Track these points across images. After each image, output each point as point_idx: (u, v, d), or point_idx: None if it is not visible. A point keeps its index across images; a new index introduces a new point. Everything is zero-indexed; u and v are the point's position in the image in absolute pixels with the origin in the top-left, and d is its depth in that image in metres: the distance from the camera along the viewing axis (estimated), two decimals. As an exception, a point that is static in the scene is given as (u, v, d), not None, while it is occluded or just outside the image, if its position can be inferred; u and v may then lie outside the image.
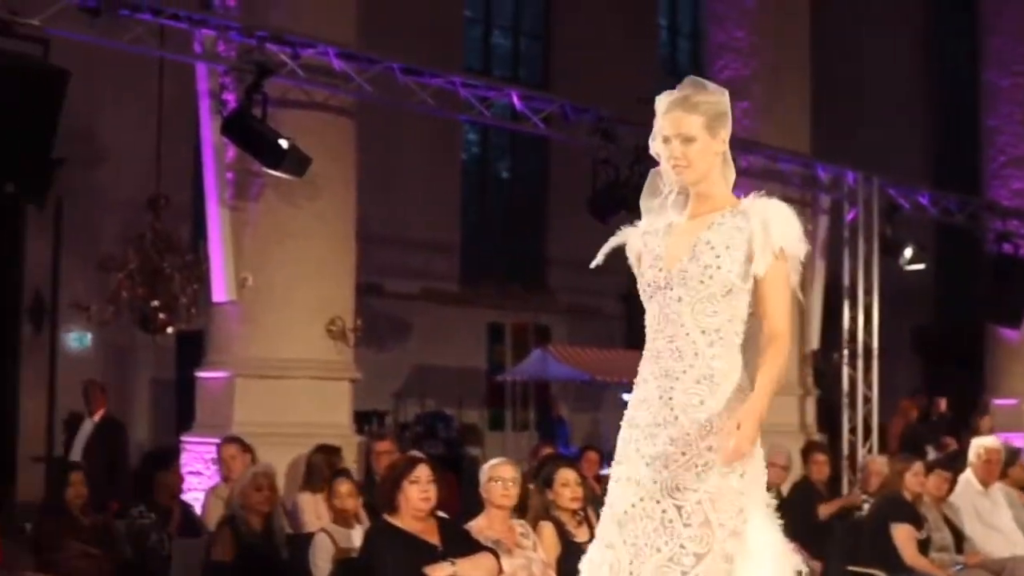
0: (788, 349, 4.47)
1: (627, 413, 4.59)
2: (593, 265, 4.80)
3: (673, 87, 4.54)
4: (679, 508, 4.35)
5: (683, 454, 4.38)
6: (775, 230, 4.44)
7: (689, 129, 4.46)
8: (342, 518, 8.35)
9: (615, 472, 4.56)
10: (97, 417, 12.86)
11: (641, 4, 23.32)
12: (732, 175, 4.62)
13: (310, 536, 8.61)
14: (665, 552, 4.35)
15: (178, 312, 14.06)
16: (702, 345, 4.43)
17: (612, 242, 4.77)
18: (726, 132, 4.53)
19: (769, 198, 4.54)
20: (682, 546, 4.34)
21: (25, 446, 16.63)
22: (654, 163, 4.64)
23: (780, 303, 4.48)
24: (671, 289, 4.48)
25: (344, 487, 8.50)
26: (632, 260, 4.72)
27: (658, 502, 4.38)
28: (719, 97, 4.53)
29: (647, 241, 4.63)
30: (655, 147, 4.57)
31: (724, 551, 4.35)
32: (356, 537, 8.20)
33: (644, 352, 4.56)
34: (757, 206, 4.50)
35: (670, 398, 4.44)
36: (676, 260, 4.49)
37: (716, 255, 4.44)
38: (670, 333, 4.47)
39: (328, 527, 8.29)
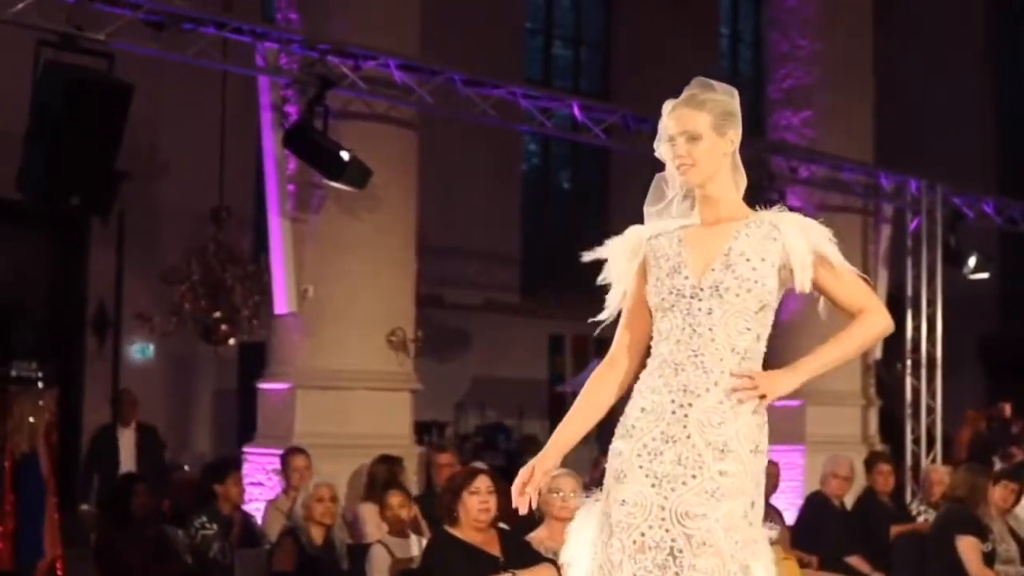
0: (880, 323, 4.44)
1: (623, 423, 4.28)
2: (588, 258, 4.67)
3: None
4: (689, 537, 4.10)
5: (693, 477, 4.13)
6: (814, 238, 4.37)
7: (695, 127, 4.31)
8: (397, 529, 8.39)
9: (617, 491, 4.23)
10: (134, 425, 13.05)
11: (702, 13, 23.24)
12: (743, 181, 4.42)
13: (370, 547, 8.64)
14: None
15: (240, 324, 14.14)
16: (731, 363, 4.24)
17: (613, 245, 4.59)
18: (735, 133, 4.35)
19: (792, 212, 4.44)
20: None
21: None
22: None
23: (853, 288, 4.45)
24: (700, 300, 4.26)
25: (395, 499, 8.55)
26: (626, 264, 4.51)
27: (667, 531, 4.12)
28: (727, 96, 4.38)
29: (656, 246, 4.40)
30: (660, 150, 4.44)
31: None
32: (413, 547, 8.24)
33: (651, 361, 4.33)
34: (788, 218, 4.38)
35: (686, 415, 4.18)
36: (705, 269, 4.27)
37: (753, 267, 4.26)
38: (696, 346, 4.23)
39: (384, 538, 8.32)
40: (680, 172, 4.37)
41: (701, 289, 4.26)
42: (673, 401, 4.21)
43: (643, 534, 4.15)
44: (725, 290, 4.24)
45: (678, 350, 4.26)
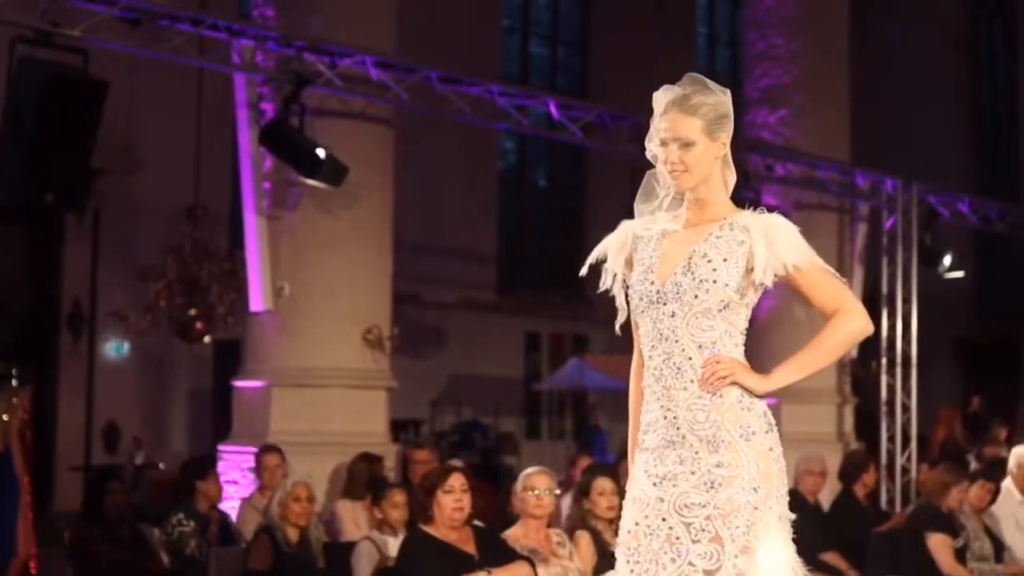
0: (854, 324, 4.37)
1: (640, 437, 4.41)
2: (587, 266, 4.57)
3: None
4: (687, 525, 4.16)
5: (692, 473, 4.20)
6: (781, 245, 4.30)
7: (688, 133, 4.28)
8: (389, 527, 8.35)
9: (626, 496, 4.39)
10: None
11: (680, 12, 23.29)
12: (733, 178, 4.42)
13: (348, 544, 8.62)
14: (671, 569, 4.17)
15: (215, 321, 14.13)
16: (699, 360, 4.27)
17: (607, 242, 4.55)
18: (727, 135, 4.35)
19: (771, 215, 4.38)
20: (691, 563, 4.15)
21: (63, 455, 16.70)
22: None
23: (827, 289, 4.39)
24: (664, 304, 4.30)
25: (400, 497, 8.49)
26: (614, 259, 4.49)
27: (664, 519, 4.20)
28: (721, 98, 4.36)
29: (639, 247, 4.44)
30: (652, 148, 4.38)
31: (735, 567, 4.16)
32: (395, 546, 8.23)
33: (646, 371, 4.39)
34: (760, 222, 4.33)
35: (675, 417, 4.26)
36: (669, 274, 4.30)
37: (713, 268, 4.27)
38: (666, 350, 4.29)
39: (372, 535, 8.30)
40: (672, 178, 4.36)
41: (664, 293, 4.30)
42: (662, 407, 4.31)
43: (637, 524, 4.27)
44: (683, 292, 4.27)
45: (654, 355, 4.34)
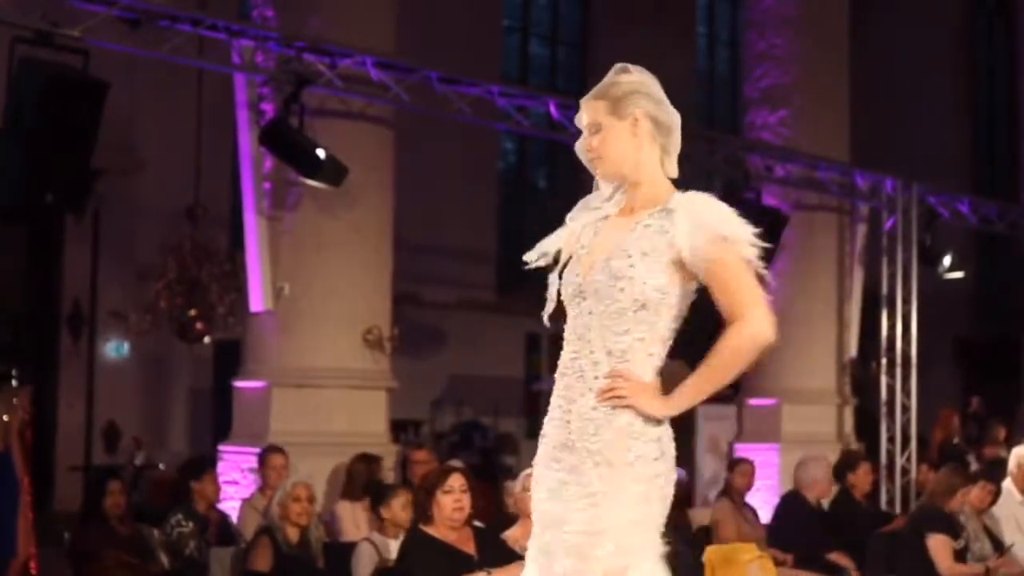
0: (745, 334, 4.00)
1: (544, 423, 4.16)
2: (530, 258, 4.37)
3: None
4: (563, 541, 3.98)
5: (577, 484, 3.97)
6: (706, 218, 3.97)
7: (594, 115, 4.11)
8: (391, 528, 8.35)
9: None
10: None
11: (680, 12, 23.29)
12: (669, 157, 4.17)
13: (348, 545, 8.63)
14: None
15: (215, 321, 14.13)
16: (606, 368, 3.99)
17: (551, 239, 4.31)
18: (643, 111, 4.08)
19: (697, 193, 4.08)
20: None
21: (63, 455, 16.71)
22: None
23: (734, 290, 4.02)
24: (584, 300, 4.05)
25: (402, 497, 8.48)
26: (554, 242, 4.30)
27: (547, 533, 4.05)
28: (633, 77, 4.11)
29: (582, 237, 4.21)
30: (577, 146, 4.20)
31: None
32: (395, 548, 8.24)
33: (560, 362, 4.13)
34: (683, 201, 4.03)
35: (567, 421, 4.02)
36: (592, 266, 4.05)
37: (631, 264, 3.97)
38: (576, 349, 4.05)
39: (372, 536, 8.31)
40: (591, 168, 4.21)
41: (584, 289, 4.08)
42: (560, 407, 4.08)
43: (536, 539, 4.15)
44: (600, 289, 4.01)
45: (567, 350, 4.11)
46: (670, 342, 4.10)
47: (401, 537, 8.25)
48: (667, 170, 4.18)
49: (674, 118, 4.18)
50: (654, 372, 4.07)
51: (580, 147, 4.22)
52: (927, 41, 25.37)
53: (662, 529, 4.04)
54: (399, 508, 8.35)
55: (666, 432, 4.09)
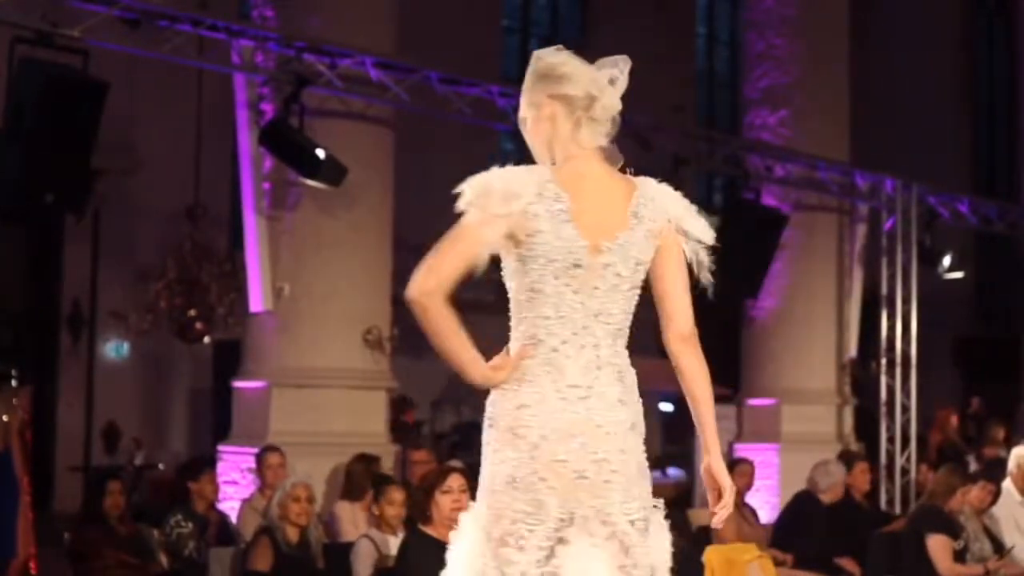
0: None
1: None
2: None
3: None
4: None
5: None
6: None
7: (521, 112, 4.24)
8: (388, 525, 8.38)
9: None
10: None
11: (679, 12, 23.28)
12: (590, 127, 4.15)
13: (347, 545, 8.64)
14: None
15: (215, 321, 14.13)
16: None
17: None
18: (552, 93, 4.10)
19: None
20: None
21: (62, 455, 16.71)
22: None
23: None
24: None
25: (399, 495, 8.52)
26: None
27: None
28: (536, 65, 4.14)
29: None
30: None
31: None
32: (395, 544, 8.25)
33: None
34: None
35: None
36: None
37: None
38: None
39: (371, 533, 8.32)
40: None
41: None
42: None
43: None
44: None
45: None
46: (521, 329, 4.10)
47: (400, 534, 8.31)
48: (582, 140, 4.16)
49: (590, 87, 4.14)
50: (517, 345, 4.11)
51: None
52: (927, 41, 25.37)
53: (500, 523, 4.03)
54: (389, 503, 8.41)
55: (520, 423, 4.01)
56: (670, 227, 4.15)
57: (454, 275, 3.97)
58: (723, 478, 4.16)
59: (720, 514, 4.17)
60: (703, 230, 4.22)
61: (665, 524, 4.22)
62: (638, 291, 4.13)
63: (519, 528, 3.96)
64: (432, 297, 3.96)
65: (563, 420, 3.97)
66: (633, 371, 4.20)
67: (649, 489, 4.17)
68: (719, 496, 4.17)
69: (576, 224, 4.00)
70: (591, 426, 3.99)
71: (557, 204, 4.00)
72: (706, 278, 4.23)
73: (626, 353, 4.19)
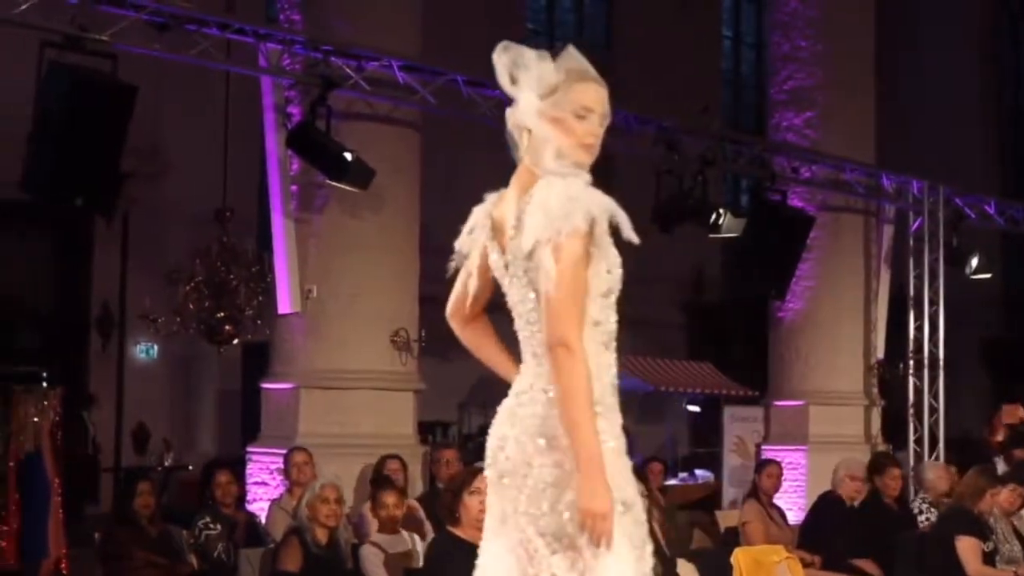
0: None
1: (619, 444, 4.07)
2: None
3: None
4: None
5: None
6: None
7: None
8: (388, 526, 8.49)
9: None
10: None
11: (705, 14, 23.27)
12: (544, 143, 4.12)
13: (359, 548, 8.71)
14: None
15: (243, 323, 14.14)
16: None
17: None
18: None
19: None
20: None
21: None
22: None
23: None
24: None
25: (391, 498, 8.64)
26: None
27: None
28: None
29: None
30: (562, 112, 4.13)
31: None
32: (405, 542, 8.36)
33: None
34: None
35: None
36: None
37: None
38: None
39: (374, 537, 8.41)
40: (590, 151, 4.11)
41: None
42: None
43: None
44: None
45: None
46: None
47: (402, 532, 8.44)
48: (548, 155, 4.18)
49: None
50: None
51: (576, 124, 4.12)
52: (952, 42, 25.30)
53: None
54: (391, 506, 8.52)
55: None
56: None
57: None
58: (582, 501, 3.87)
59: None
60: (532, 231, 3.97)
61: None
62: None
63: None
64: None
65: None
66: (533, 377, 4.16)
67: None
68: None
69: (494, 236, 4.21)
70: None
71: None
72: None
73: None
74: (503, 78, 4.21)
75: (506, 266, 4.14)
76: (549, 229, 3.88)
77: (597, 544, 3.82)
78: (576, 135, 4.08)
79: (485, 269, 4.28)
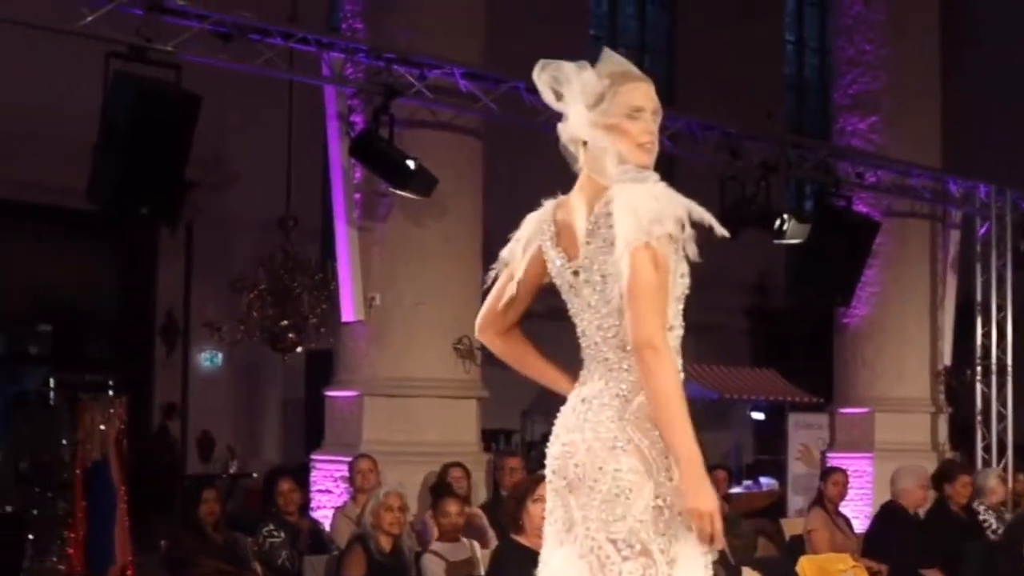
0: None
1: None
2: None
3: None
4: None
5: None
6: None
7: (606, 107, 4.19)
8: (449, 534, 8.50)
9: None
10: None
11: (767, 19, 23.17)
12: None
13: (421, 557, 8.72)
14: None
15: (307, 332, 14.21)
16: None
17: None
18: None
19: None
20: None
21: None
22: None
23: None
24: None
25: (453, 506, 8.63)
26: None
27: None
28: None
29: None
30: (614, 118, 4.12)
31: None
32: (465, 550, 8.36)
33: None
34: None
35: None
36: None
37: None
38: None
39: (434, 546, 8.42)
40: (648, 150, 4.15)
41: None
42: None
43: None
44: None
45: None
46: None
47: (462, 540, 8.43)
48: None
49: None
50: None
51: (630, 124, 4.12)
52: (1019, 43, 25.02)
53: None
54: (454, 515, 8.52)
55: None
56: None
57: None
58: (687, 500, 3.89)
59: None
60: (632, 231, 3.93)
61: None
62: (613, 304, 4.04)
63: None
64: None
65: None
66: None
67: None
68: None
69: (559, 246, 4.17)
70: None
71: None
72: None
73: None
74: (547, 96, 4.18)
75: (575, 272, 4.11)
76: (640, 232, 3.88)
77: (707, 543, 3.86)
78: (632, 136, 4.10)
79: (538, 276, 4.28)
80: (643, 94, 4.13)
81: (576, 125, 4.15)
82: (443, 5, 11.90)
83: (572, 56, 4.28)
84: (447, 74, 11.45)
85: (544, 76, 4.17)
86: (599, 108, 4.11)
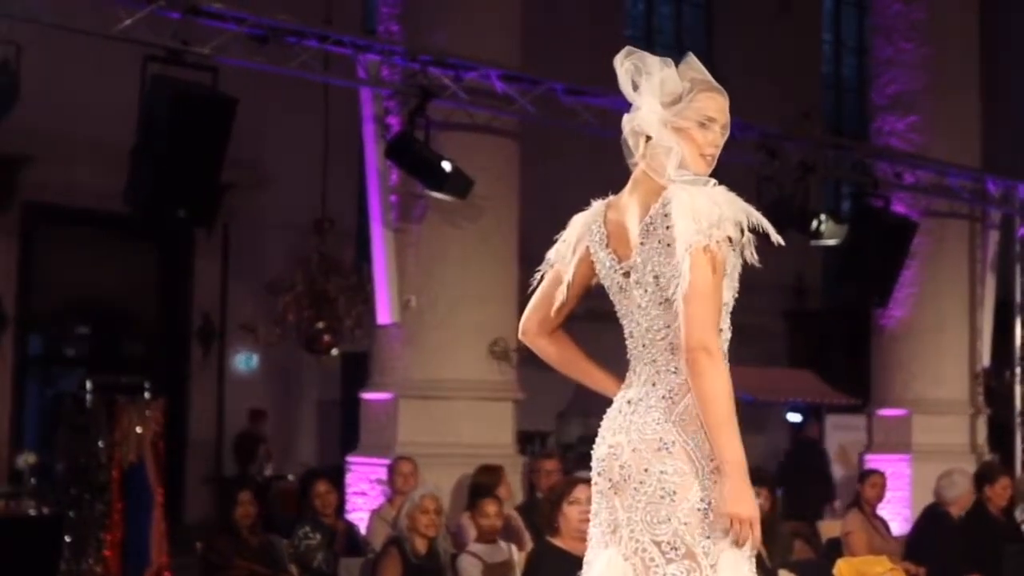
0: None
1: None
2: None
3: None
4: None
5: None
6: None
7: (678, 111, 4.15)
8: (488, 536, 8.48)
9: None
10: None
11: (805, 18, 23.07)
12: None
13: (458, 557, 8.71)
14: None
15: (343, 334, 14.23)
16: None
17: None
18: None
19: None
20: None
21: (194, 466, 16.94)
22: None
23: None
24: None
25: (492, 507, 8.60)
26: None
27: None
28: None
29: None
30: (684, 121, 4.08)
31: None
32: (503, 552, 8.34)
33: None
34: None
35: None
36: None
37: None
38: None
39: (472, 547, 8.40)
40: (709, 163, 4.16)
41: None
42: None
43: None
44: None
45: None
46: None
47: (499, 542, 8.41)
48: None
49: None
50: None
51: (699, 134, 4.12)
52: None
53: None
54: (493, 516, 8.50)
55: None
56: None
57: None
58: (727, 505, 3.89)
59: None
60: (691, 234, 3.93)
61: None
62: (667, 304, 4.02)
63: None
64: None
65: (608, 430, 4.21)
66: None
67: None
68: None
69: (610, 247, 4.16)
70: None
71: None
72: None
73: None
74: (625, 84, 4.13)
75: (626, 273, 4.11)
76: (700, 234, 3.89)
77: (741, 546, 3.87)
78: (697, 144, 4.10)
79: (586, 277, 4.29)
80: (718, 106, 4.12)
81: (646, 119, 4.11)
82: (478, 7, 11.90)
83: (606, 56, 4.26)
84: (483, 76, 11.45)
85: (627, 63, 4.13)
86: (673, 108, 4.09)
